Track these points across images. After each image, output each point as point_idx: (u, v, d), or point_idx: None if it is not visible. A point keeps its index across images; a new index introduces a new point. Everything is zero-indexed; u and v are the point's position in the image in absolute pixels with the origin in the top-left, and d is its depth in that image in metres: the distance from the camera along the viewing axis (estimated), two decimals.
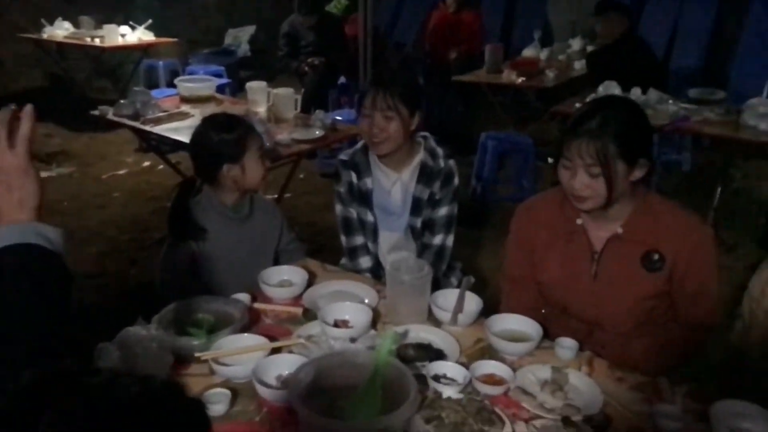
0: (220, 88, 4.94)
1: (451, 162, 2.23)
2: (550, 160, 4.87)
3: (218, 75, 6.22)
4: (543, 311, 1.91)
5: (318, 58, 5.67)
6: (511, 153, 5.00)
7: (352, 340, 1.63)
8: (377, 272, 2.30)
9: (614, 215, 1.70)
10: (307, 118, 3.81)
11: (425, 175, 2.21)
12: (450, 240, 2.28)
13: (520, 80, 5.23)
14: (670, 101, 3.86)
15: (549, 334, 1.73)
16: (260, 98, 4.00)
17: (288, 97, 3.91)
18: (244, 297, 1.83)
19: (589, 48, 5.50)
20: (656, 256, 1.67)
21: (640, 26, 6.43)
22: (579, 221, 1.75)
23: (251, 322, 1.76)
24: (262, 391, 1.45)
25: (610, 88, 3.98)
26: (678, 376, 1.64)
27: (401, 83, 2.15)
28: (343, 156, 2.31)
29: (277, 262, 2.19)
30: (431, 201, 2.23)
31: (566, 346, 1.65)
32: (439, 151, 2.23)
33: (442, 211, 2.24)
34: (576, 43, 6.16)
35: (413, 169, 2.22)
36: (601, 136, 1.57)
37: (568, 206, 1.76)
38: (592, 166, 1.59)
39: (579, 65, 5.55)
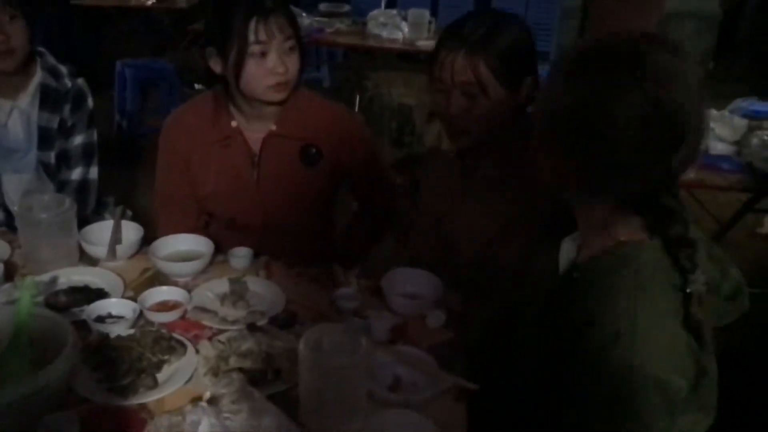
0: None
1: (80, 81, 1.91)
2: (197, 86, 4.71)
3: None
4: (210, 231, 1.80)
5: None
6: (153, 82, 4.64)
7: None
8: (10, 223, 1.91)
9: (269, 112, 1.64)
10: None
11: (50, 99, 1.85)
12: (93, 172, 1.97)
13: (150, 2, 4.84)
14: (304, 14, 3.96)
15: (222, 251, 1.63)
16: None
17: None
18: None
19: None
20: (313, 150, 1.67)
21: None
22: (234, 123, 1.65)
23: None
24: None
25: None
26: None
27: None
28: None
29: None
30: (63, 129, 1.89)
31: (240, 255, 1.58)
32: (62, 69, 1.88)
33: (78, 139, 1.92)
34: None
35: (32, 94, 1.84)
36: (287, 8, 1.53)
37: (222, 111, 1.65)
38: (290, 39, 1.52)
39: None
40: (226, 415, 1.02)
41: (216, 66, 1.56)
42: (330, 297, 1.46)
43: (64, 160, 1.92)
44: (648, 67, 0.89)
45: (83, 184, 1.95)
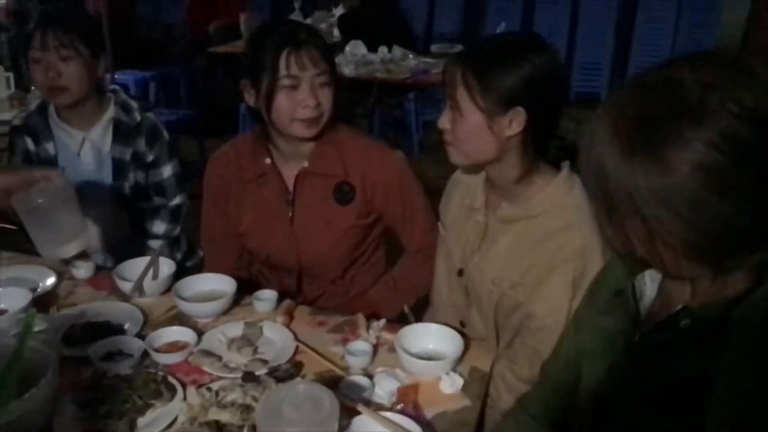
0: None
1: (151, 115, 1.99)
2: None
3: None
4: (252, 271, 1.78)
5: None
6: None
7: (2, 332, 1.36)
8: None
9: (303, 149, 1.59)
10: (23, 97, 3.33)
11: (122, 132, 1.94)
12: (184, 199, 2.04)
13: None
14: (411, 56, 3.95)
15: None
16: None
17: None
18: None
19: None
20: (347, 188, 1.60)
21: None
22: (268, 161, 1.62)
23: None
24: None
25: (356, 47, 3.98)
26: None
27: (76, 19, 1.86)
28: (15, 121, 1.97)
29: None
30: (139, 163, 1.96)
31: (263, 298, 1.52)
32: (133, 104, 1.97)
33: (167, 171, 1.98)
34: (338, 11, 6.16)
35: (104, 127, 1.94)
36: (322, 42, 1.52)
37: (258, 147, 1.63)
38: (323, 74, 1.49)
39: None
40: None
41: (250, 98, 1.55)
42: (345, 348, 1.36)
43: (159, 191, 2.00)
44: None
45: (178, 208, 2.02)
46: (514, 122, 1.24)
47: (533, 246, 1.29)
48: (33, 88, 3.41)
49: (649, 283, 0.96)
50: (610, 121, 0.77)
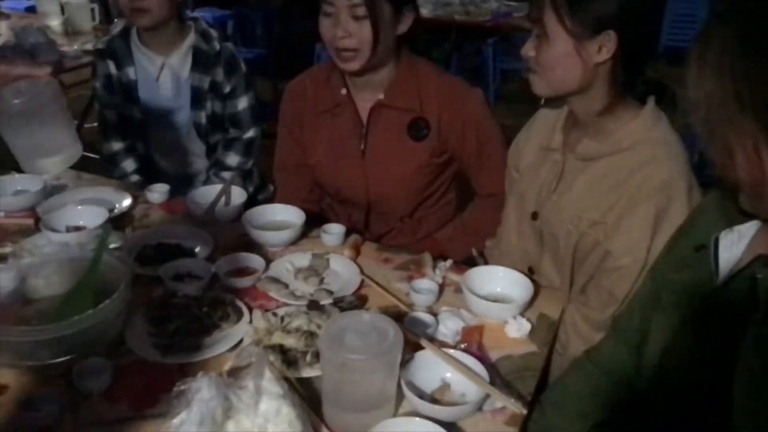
0: (31, 10, 4.28)
1: (230, 45, 1.98)
2: None
3: None
4: (323, 205, 1.77)
5: None
6: None
7: (82, 246, 1.40)
8: (151, 174, 2.05)
9: (379, 81, 1.55)
10: (107, 28, 3.39)
11: (201, 61, 1.94)
12: (258, 132, 2.04)
13: None
14: None
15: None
16: (52, 10, 3.53)
17: (82, 6, 3.47)
18: None
19: None
20: (422, 123, 1.55)
21: None
22: (343, 91, 1.59)
23: None
24: None
25: None
26: None
27: None
28: (98, 45, 2.00)
29: None
30: (217, 92, 1.97)
31: (332, 231, 1.52)
32: (213, 33, 1.97)
33: (243, 102, 1.99)
34: None
35: (184, 54, 1.95)
36: None
37: (334, 77, 1.60)
38: (356, 6, 1.42)
39: None
40: (232, 389, 0.96)
41: None
42: (410, 285, 1.34)
43: (234, 122, 2.01)
44: None
45: (252, 141, 2.03)
46: (604, 48, 1.16)
47: (616, 183, 1.23)
48: (116, 19, 3.49)
49: (737, 240, 0.88)
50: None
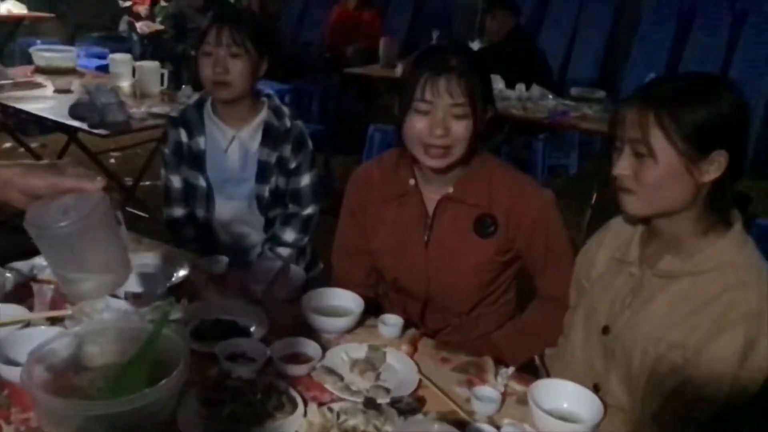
0: (102, 69, 4.49)
1: (300, 123, 2.02)
2: None
3: (103, 57, 5.75)
4: (379, 291, 1.74)
5: None
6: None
7: (141, 315, 1.38)
8: (208, 243, 2.06)
9: (448, 175, 1.54)
10: (174, 94, 3.53)
11: (271, 136, 1.98)
12: (316, 210, 2.05)
13: None
14: (551, 96, 3.85)
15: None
16: (124, 71, 3.68)
17: (153, 70, 3.60)
18: (24, 266, 1.55)
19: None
20: (489, 220, 1.53)
21: (540, 38, 6.49)
22: (412, 182, 1.58)
23: (27, 294, 1.48)
24: (2, 369, 1.18)
25: (494, 82, 3.92)
26: None
27: (250, 20, 1.94)
28: (172, 113, 2.06)
29: None
30: (282, 168, 1.99)
31: (390, 322, 1.47)
32: (285, 110, 2.01)
33: (305, 179, 2.02)
34: (475, 45, 6.15)
35: (255, 129, 1.98)
36: (469, 74, 1.43)
37: (402, 167, 1.60)
38: (458, 106, 1.42)
39: None
40: None
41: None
42: (470, 392, 1.28)
43: (295, 198, 2.03)
44: None
45: (309, 218, 2.04)
46: (714, 166, 1.14)
47: (699, 305, 1.17)
48: (183, 86, 3.62)
49: None
50: None
